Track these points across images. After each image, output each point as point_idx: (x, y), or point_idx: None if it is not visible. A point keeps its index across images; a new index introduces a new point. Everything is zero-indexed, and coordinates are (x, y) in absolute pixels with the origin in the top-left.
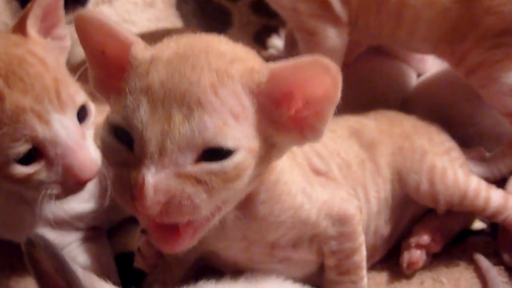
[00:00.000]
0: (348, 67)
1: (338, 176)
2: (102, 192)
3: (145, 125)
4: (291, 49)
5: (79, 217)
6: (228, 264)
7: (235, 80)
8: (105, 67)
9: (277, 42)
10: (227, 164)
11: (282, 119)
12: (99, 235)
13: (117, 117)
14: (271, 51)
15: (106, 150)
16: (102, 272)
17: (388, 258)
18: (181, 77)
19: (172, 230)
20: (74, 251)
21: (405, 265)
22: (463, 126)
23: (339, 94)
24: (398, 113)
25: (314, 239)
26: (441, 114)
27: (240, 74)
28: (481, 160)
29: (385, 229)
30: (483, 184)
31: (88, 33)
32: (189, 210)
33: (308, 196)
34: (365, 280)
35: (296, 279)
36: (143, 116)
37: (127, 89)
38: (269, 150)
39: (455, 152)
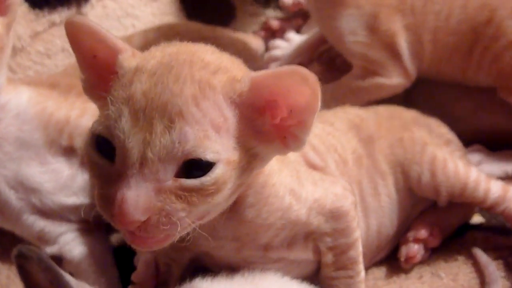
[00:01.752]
0: None
1: (335, 172)
2: (92, 187)
3: (126, 134)
4: (300, 59)
5: (69, 210)
6: (222, 265)
7: (216, 91)
8: (97, 71)
9: (279, 43)
10: (206, 180)
11: (264, 129)
12: (96, 228)
13: (99, 126)
14: (274, 52)
15: (89, 163)
16: (99, 265)
17: (388, 254)
18: (164, 87)
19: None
20: (70, 244)
21: (403, 259)
22: (463, 123)
23: (319, 104)
24: (399, 106)
25: (309, 237)
26: (442, 110)
27: (222, 85)
28: (488, 156)
29: (390, 229)
30: (483, 176)
31: (79, 38)
32: (167, 227)
33: (297, 197)
34: (362, 274)
35: (293, 277)
36: (125, 126)
37: (109, 99)
38: (250, 161)
39: (455, 145)
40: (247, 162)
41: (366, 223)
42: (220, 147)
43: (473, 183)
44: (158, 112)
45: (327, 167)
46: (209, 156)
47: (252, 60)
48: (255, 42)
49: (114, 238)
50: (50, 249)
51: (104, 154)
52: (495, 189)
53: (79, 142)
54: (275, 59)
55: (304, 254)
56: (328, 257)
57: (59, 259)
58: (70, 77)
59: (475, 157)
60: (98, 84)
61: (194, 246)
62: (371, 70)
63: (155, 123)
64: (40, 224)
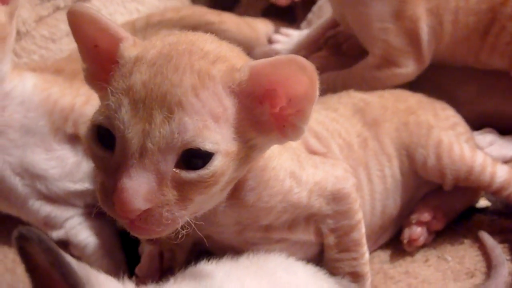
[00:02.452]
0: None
1: (339, 157)
2: (96, 175)
3: (126, 124)
4: (302, 54)
5: (74, 195)
6: (225, 247)
7: (216, 81)
8: (98, 60)
9: (279, 37)
10: (205, 172)
11: (263, 118)
12: (102, 213)
13: (99, 116)
14: (275, 46)
15: (91, 154)
16: (105, 249)
17: (393, 236)
18: (163, 78)
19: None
20: (76, 228)
21: (405, 241)
22: (469, 105)
23: (317, 93)
24: (404, 90)
25: (310, 218)
26: (447, 94)
27: (221, 74)
28: (500, 138)
29: (394, 209)
30: (489, 159)
31: (81, 27)
32: (168, 221)
33: (298, 180)
34: (367, 255)
35: (298, 260)
36: (125, 116)
37: (109, 89)
38: (248, 153)
39: (461, 127)
40: (245, 153)
41: (372, 204)
42: (219, 137)
43: (479, 167)
44: (157, 103)
45: (330, 152)
46: (208, 146)
47: (258, 45)
48: (262, 26)
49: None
50: (56, 234)
51: (105, 145)
52: (501, 173)
53: (84, 129)
54: (276, 53)
55: (305, 236)
56: (330, 239)
57: (65, 245)
58: (75, 62)
59: (487, 138)
60: (100, 74)
61: (195, 231)
62: (389, 60)
63: (155, 113)
64: (46, 209)
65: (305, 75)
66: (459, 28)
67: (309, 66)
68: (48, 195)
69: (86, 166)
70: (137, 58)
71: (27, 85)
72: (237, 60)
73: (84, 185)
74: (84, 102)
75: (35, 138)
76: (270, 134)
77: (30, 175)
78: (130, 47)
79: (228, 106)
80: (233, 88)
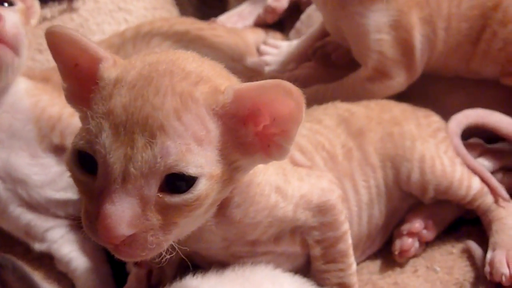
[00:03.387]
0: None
1: (323, 169)
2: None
3: (107, 149)
4: (291, 65)
5: (56, 204)
6: (212, 262)
7: (199, 104)
8: (79, 80)
9: (268, 49)
10: (189, 197)
11: (248, 139)
12: None
13: (80, 141)
14: (264, 58)
15: (73, 179)
16: (90, 264)
17: (382, 247)
18: (144, 101)
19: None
20: (58, 241)
21: (396, 253)
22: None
23: (303, 115)
24: (390, 100)
25: (295, 231)
26: (435, 102)
27: (204, 97)
28: (489, 153)
29: (379, 219)
30: (466, 172)
31: (60, 47)
32: (153, 246)
33: (283, 194)
34: (354, 266)
35: (285, 271)
36: (106, 140)
37: (89, 113)
38: (232, 174)
39: (442, 133)
40: (229, 175)
41: (359, 215)
42: (203, 160)
43: (458, 182)
44: (139, 127)
45: (314, 165)
46: (191, 171)
47: (247, 54)
48: (252, 36)
49: None
50: (39, 246)
51: (87, 169)
52: (475, 185)
53: (70, 141)
54: (266, 64)
55: (291, 248)
56: (317, 250)
57: (51, 258)
58: None
59: (474, 151)
60: (80, 93)
61: (182, 247)
62: (382, 72)
63: (136, 137)
64: (27, 217)
65: (292, 99)
66: (452, 35)
67: (296, 91)
68: (29, 202)
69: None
70: (117, 80)
71: (19, 87)
72: (219, 80)
73: (66, 194)
74: (71, 113)
75: (20, 142)
76: (254, 155)
77: (12, 179)
78: (110, 68)
79: (211, 128)
80: (216, 110)
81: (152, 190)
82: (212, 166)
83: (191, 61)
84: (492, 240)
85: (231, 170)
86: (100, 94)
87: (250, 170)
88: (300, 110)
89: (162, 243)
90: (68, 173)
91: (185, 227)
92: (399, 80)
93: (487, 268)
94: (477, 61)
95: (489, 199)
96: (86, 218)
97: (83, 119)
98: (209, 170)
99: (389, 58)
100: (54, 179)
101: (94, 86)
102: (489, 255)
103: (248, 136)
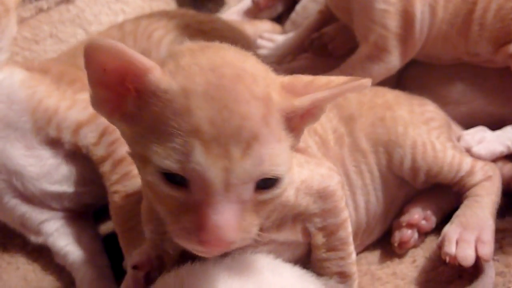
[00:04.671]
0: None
1: (317, 154)
2: (77, 176)
3: (204, 166)
4: (288, 58)
5: (51, 197)
6: None
7: (275, 106)
8: (105, 83)
9: (264, 43)
10: (278, 191)
11: (296, 124)
12: (83, 217)
13: (166, 161)
14: (260, 51)
15: (158, 197)
16: (87, 256)
17: (380, 237)
18: (230, 112)
19: None
20: (54, 234)
21: (396, 244)
22: (455, 105)
23: None
24: (384, 87)
25: (297, 218)
26: (433, 92)
27: (279, 101)
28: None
29: (377, 207)
30: (457, 156)
31: (96, 58)
32: (245, 240)
33: None
34: (354, 255)
35: (286, 261)
36: (200, 158)
37: (171, 130)
38: None
39: (436, 122)
40: None
41: (354, 201)
42: (286, 159)
43: (448, 166)
44: (232, 138)
45: (309, 147)
46: (281, 171)
47: (247, 48)
48: (251, 28)
49: (104, 227)
50: (35, 239)
51: (174, 183)
52: (464, 167)
53: (67, 134)
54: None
55: (293, 236)
56: (318, 238)
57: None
58: (63, 64)
59: (476, 137)
60: (109, 99)
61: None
62: (382, 48)
63: (232, 149)
64: (21, 209)
65: None
66: (449, 10)
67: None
68: (24, 193)
69: (65, 168)
70: (185, 91)
71: (14, 79)
72: (276, 80)
73: (62, 187)
74: (69, 106)
75: (16, 133)
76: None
77: (7, 170)
78: (163, 77)
79: (283, 127)
80: (286, 111)
81: (249, 194)
82: (290, 160)
83: (244, 60)
84: (457, 212)
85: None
86: (169, 108)
87: None
88: None
89: (252, 237)
90: (64, 166)
91: (265, 217)
92: (396, 55)
93: (439, 241)
94: (474, 35)
95: (474, 179)
96: (184, 233)
97: (125, 122)
98: (289, 165)
99: (390, 31)
100: (49, 171)
101: (130, 90)
102: (446, 227)
103: (296, 121)
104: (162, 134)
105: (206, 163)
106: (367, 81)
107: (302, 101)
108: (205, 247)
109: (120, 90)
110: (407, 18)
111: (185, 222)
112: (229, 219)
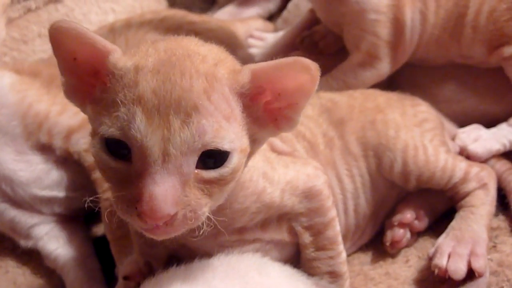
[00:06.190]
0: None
1: (304, 156)
2: (68, 181)
3: (143, 133)
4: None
5: (41, 202)
6: (200, 254)
7: (222, 83)
8: (77, 74)
9: (254, 42)
10: (225, 171)
11: (259, 114)
12: (74, 221)
13: (110, 129)
14: (251, 50)
15: (102, 168)
16: (77, 260)
17: (373, 237)
18: (173, 84)
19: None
20: (44, 238)
21: (388, 244)
22: (447, 103)
23: (315, 88)
24: (375, 89)
25: (282, 217)
26: (426, 92)
27: (226, 77)
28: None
29: (366, 208)
30: (450, 161)
31: (63, 42)
32: (192, 221)
33: (270, 180)
34: (343, 254)
35: (274, 260)
36: (140, 125)
37: (118, 100)
38: (252, 147)
39: (429, 124)
40: (250, 148)
41: (344, 203)
42: (233, 136)
43: (440, 172)
44: (172, 109)
45: (296, 151)
46: (226, 146)
47: (238, 47)
48: (242, 27)
49: (95, 229)
50: (25, 243)
51: (117, 156)
52: (458, 174)
53: (58, 140)
54: (252, 57)
55: (278, 235)
56: (306, 237)
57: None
58: (53, 66)
59: (471, 135)
60: (80, 87)
61: (169, 241)
62: (374, 55)
63: (172, 119)
64: (11, 213)
65: (308, 74)
66: (440, 14)
67: (314, 66)
68: (13, 198)
69: (56, 174)
70: (137, 67)
71: (4, 83)
72: (232, 62)
73: (52, 192)
74: (60, 111)
75: (6, 137)
76: (267, 127)
77: None
78: (121, 58)
79: (234, 106)
80: (237, 90)
81: (190, 167)
82: (241, 140)
83: (200, 45)
84: (451, 223)
85: (251, 142)
86: (121, 82)
87: (263, 144)
88: (313, 84)
89: (200, 217)
90: (55, 171)
91: (217, 201)
92: (387, 62)
93: (430, 253)
94: (467, 38)
95: (468, 187)
96: (122, 203)
97: (99, 109)
98: (239, 144)
99: (382, 39)
100: (40, 176)
101: (99, 77)
102: (440, 239)
103: (258, 110)
104: (110, 106)
105: (145, 131)
106: (312, 64)
107: (243, 74)
108: (143, 220)
109: (91, 81)
110: (397, 26)
111: (126, 195)
112: (166, 190)
